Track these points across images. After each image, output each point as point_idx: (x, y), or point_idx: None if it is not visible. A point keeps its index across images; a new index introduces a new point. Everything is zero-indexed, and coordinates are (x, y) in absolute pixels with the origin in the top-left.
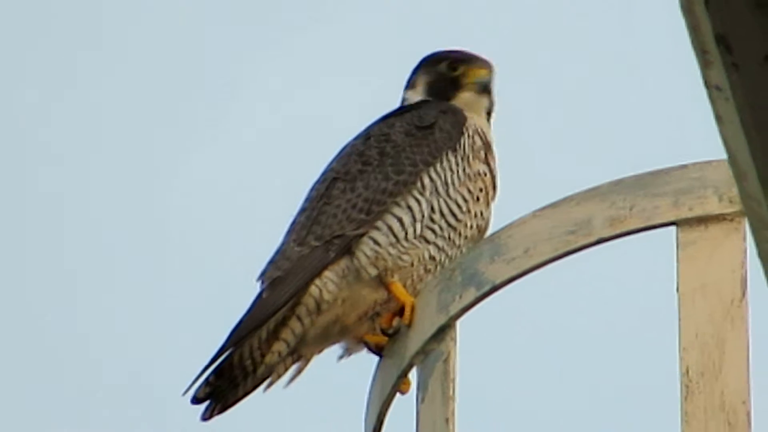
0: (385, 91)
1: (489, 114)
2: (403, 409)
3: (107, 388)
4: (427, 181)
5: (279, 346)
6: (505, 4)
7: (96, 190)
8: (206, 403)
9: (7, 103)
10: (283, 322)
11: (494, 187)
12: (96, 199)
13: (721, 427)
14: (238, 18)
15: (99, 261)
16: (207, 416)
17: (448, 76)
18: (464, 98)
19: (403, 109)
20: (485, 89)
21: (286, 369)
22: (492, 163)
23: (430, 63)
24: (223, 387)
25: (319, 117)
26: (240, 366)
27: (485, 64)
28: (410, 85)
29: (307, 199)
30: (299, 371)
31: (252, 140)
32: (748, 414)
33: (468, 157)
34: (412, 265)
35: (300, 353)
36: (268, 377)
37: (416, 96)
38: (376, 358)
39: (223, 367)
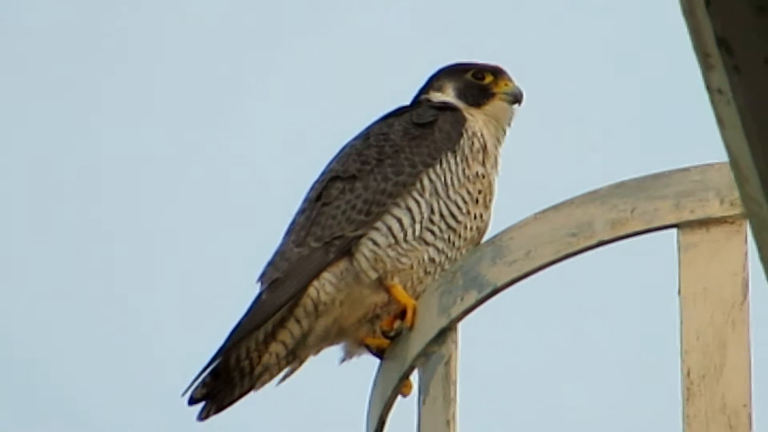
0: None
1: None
2: (405, 411)
3: (104, 387)
4: (426, 182)
5: (276, 348)
6: (510, 6)
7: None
8: (202, 403)
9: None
10: (281, 324)
11: (491, 189)
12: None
13: (723, 429)
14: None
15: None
16: (203, 416)
17: (477, 84)
18: (496, 106)
19: (402, 109)
20: (516, 100)
21: (280, 369)
22: (488, 167)
23: (453, 71)
24: (219, 387)
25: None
26: (237, 367)
27: (511, 78)
28: (433, 87)
29: (306, 200)
30: (292, 371)
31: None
32: (750, 417)
33: (467, 159)
34: (412, 267)
35: (296, 354)
36: (264, 378)
37: (444, 98)
38: (377, 361)
39: (220, 367)
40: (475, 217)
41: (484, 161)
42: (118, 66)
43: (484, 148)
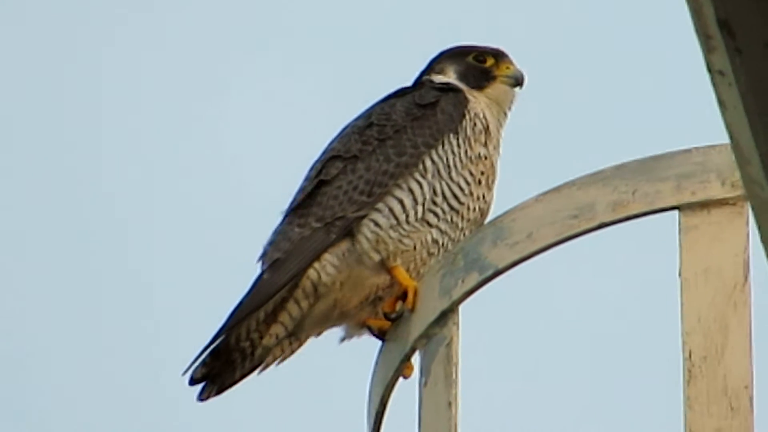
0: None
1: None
2: (406, 393)
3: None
4: (428, 163)
5: (277, 329)
6: None
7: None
8: (203, 383)
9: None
10: (281, 305)
11: (493, 171)
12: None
13: (724, 411)
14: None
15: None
16: (203, 397)
17: (478, 67)
18: (498, 89)
19: (405, 90)
20: (517, 83)
21: (283, 351)
22: (490, 148)
23: (454, 54)
24: (219, 368)
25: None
26: (237, 347)
27: (512, 61)
28: (434, 70)
29: (307, 179)
30: (292, 352)
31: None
32: (751, 398)
33: (470, 140)
34: (415, 248)
35: (296, 335)
36: (265, 359)
37: (445, 80)
38: (378, 343)
39: (220, 348)
40: (477, 198)
41: (486, 143)
42: (112, 58)
43: (486, 129)
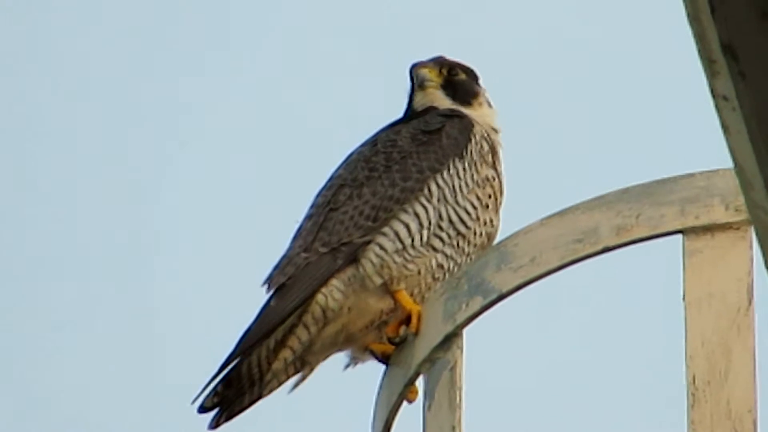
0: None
1: (468, 102)
2: (410, 417)
3: (113, 397)
4: (434, 188)
5: (286, 354)
6: (514, 11)
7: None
8: (213, 412)
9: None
10: (291, 331)
11: (501, 192)
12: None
13: None
14: None
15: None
16: (214, 425)
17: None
18: (416, 99)
19: (410, 116)
20: (419, 84)
21: (289, 376)
22: (499, 167)
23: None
24: (230, 396)
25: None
26: (248, 375)
27: (424, 63)
28: None
29: (314, 206)
30: (303, 378)
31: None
32: (755, 422)
33: (476, 163)
34: (419, 273)
35: (305, 360)
36: (273, 385)
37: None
38: (382, 367)
39: (232, 376)
40: (485, 223)
41: (494, 163)
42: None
43: (493, 149)
